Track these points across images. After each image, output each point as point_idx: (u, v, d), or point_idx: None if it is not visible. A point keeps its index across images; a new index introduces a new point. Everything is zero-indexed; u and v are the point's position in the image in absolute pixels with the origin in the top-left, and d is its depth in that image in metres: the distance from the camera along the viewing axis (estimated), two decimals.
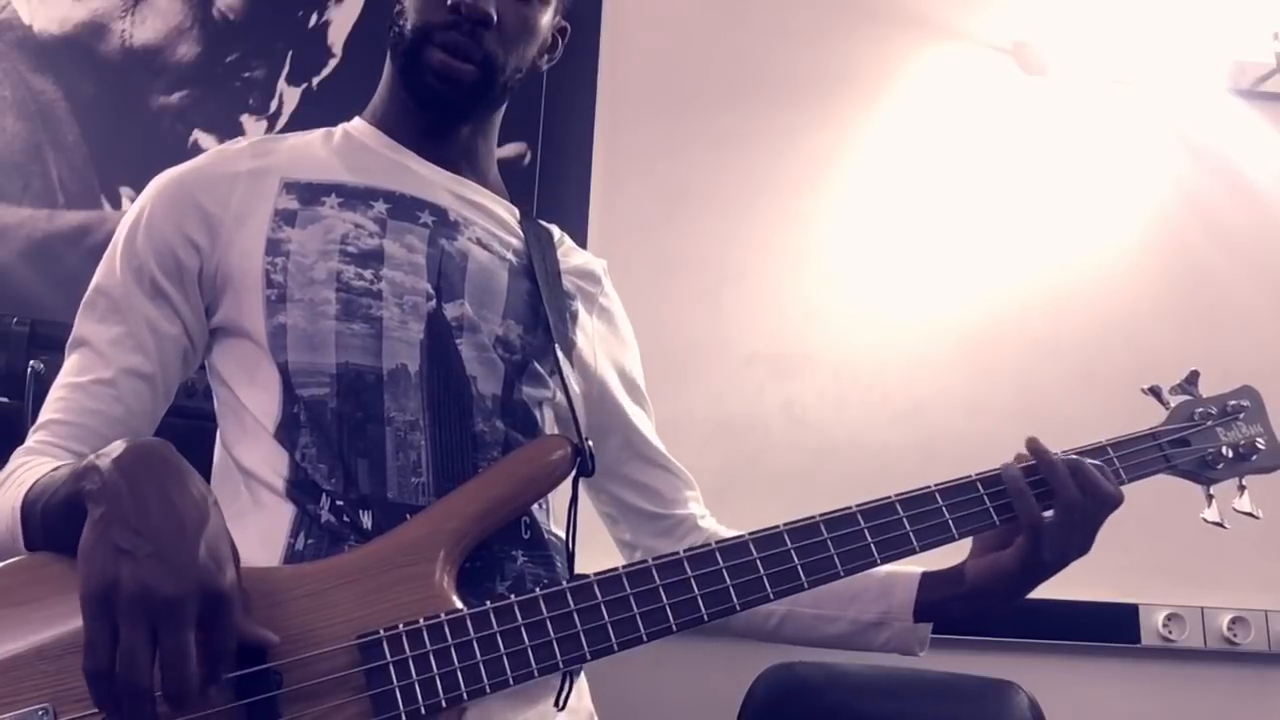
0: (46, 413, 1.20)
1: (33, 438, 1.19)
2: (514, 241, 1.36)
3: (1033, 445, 1.26)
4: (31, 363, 1.77)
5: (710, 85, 2.47)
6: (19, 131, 2.31)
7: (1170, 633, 2.28)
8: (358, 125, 1.38)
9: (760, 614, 1.37)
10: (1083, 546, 1.25)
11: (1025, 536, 1.24)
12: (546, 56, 1.41)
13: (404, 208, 1.29)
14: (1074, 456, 1.26)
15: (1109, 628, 2.28)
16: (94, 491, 0.94)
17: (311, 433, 1.18)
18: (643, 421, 1.47)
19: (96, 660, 0.88)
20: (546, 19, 1.37)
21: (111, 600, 0.88)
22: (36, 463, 1.13)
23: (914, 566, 1.34)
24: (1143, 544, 2.22)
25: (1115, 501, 1.25)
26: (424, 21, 1.28)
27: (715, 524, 1.47)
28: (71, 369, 1.22)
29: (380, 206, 1.28)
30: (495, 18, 1.27)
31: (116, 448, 0.98)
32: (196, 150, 2.29)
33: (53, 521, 1.02)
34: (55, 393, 1.22)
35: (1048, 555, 1.24)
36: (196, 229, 1.24)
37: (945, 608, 1.33)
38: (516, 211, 1.40)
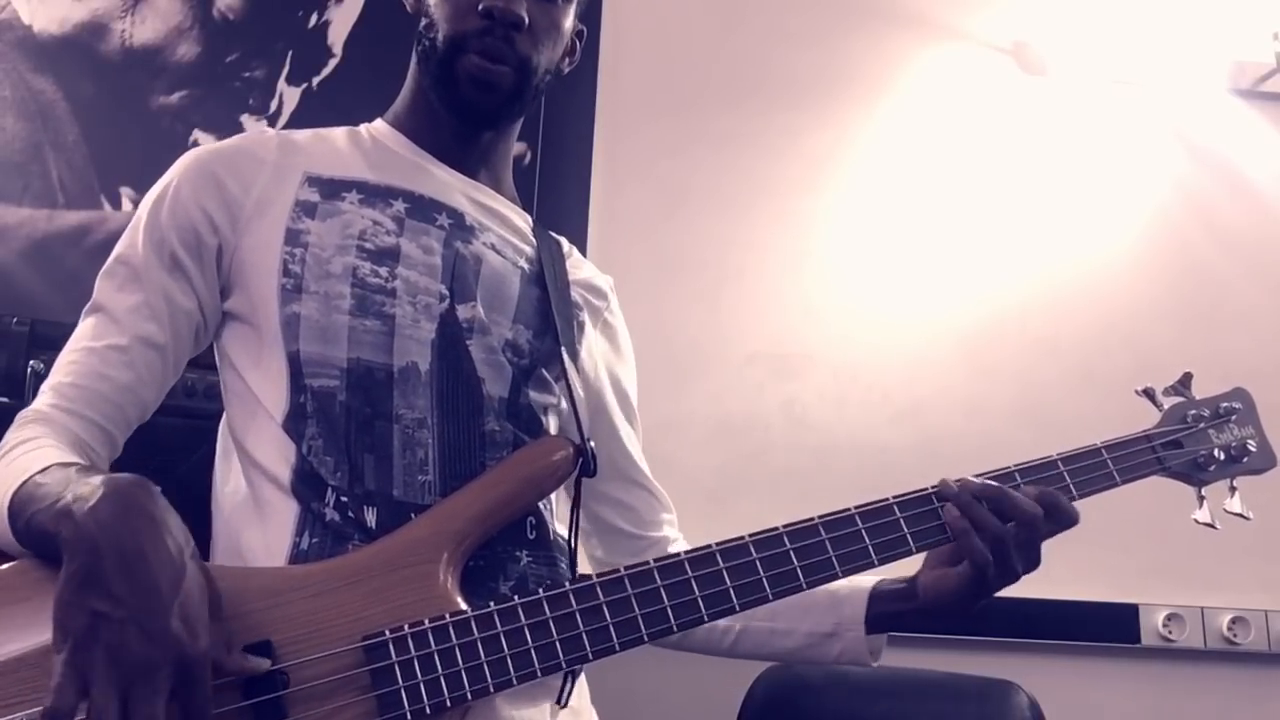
0: (57, 374, 1.20)
1: (41, 399, 1.19)
2: (527, 249, 1.37)
3: (943, 490, 1.23)
4: (31, 363, 1.77)
5: (710, 86, 2.48)
6: (19, 131, 2.31)
7: (1170, 633, 2.28)
8: (379, 127, 1.39)
9: (718, 630, 1.38)
10: (1029, 564, 1.23)
11: (971, 569, 1.22)
12: (568, 60, 1.42)
13: (422, 209, 1.30)
14: (990, 484, 1.23)
15: (1109, 628, 2.28)
16: (69, 541, 0.94)
17: (319, 424, 1.19)
18: (631, 440, 1.47)
19: (59, 705, 0.87)
20: (570, 21, 1.38)
21: (84, 661, 0.88)
22: (35, 445, 1.12)
23: (868, 578, 1.33)
24: (1143, 544, 2.23)
25: (1035, 519, 1.21)
26: (456, 30, 1.28)
27: (685, 547, 1.46)
28: (86, 333, 1.23)
29: (399, 205, 1.29)
30: (527, 20, 1.28)
31: (94, 491, 0.97)
32: None
33: (35, 541, 1.02)
34: (67, 355, 1.22)
35: (994, 581, 1.22)
36: (218, 209, 1.25)
37: (898, 619, 1.33)
38: (530, 219, 1.41)
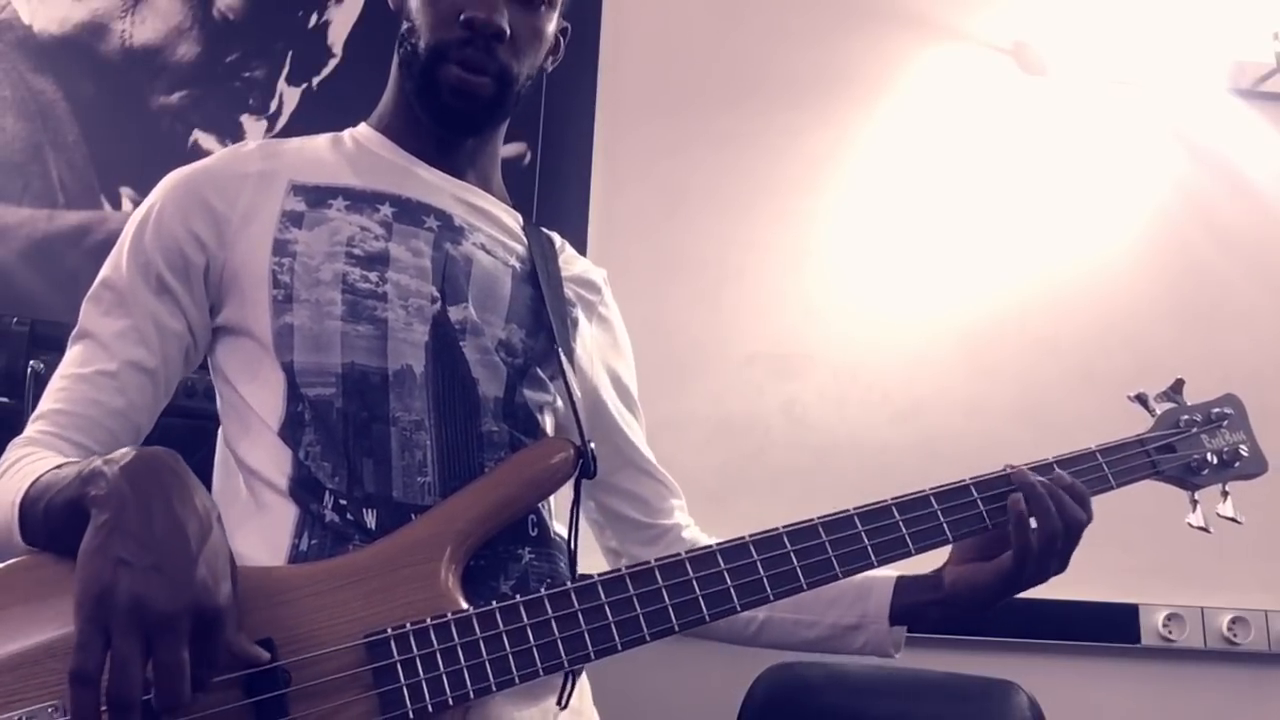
0: (47, 402, 1.20)
1: (32, 427, 1.18)
2: (518, 248, 1.37)
3: (1018, 477, 1.27)
4: (31, 363, 1.77)
5: (710, 85, 2.48)
6: (19, 131, 2.31)
7: (1170, 633, 2.28)
8: (364, 131, 1.39)
9: (741, 619, 1.37)
10: (1061, 567, 1.27)
11: (1014, 559, 1.25)
12: (551, 58, 1.42)
13: (409, 212, 1.29)
14: (1046, 481, 1.26)
15: (1109, 628, 2.29)
16: (98, 497, 0.95)
17: (316, 431, 1.18)
18: (634, 430, 1.47)
19: (84, 664, 0.87)
20: (553, 26, 1.38)
21: (106, 608, 0.88)
22: (38, 455, 1.13)
23: (890, 570, 1.35)
24: (1143, 544, 2.23)
25: (1086, 525, 1.27)
26: (438, 40, 1.28)
27: (699, 533, 1.47)
28: (74, 360, 1.22)
29: (386, 210, 1.28)
30: (508, 32, 1.28)
31: (124, 454, 0.98)
32: (196, 150, 2.32)
33: (55, 522, 1.02)
34: (56, 382, 1.21)
35: (1029, 576, 1.26)
36: (204, 227, 1.25)
37: (921, 612, 1.35)
38: (520, 218, 1.41)
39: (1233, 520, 1.37)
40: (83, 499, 0.96)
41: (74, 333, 1.24)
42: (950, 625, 2.08)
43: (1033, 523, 1.24)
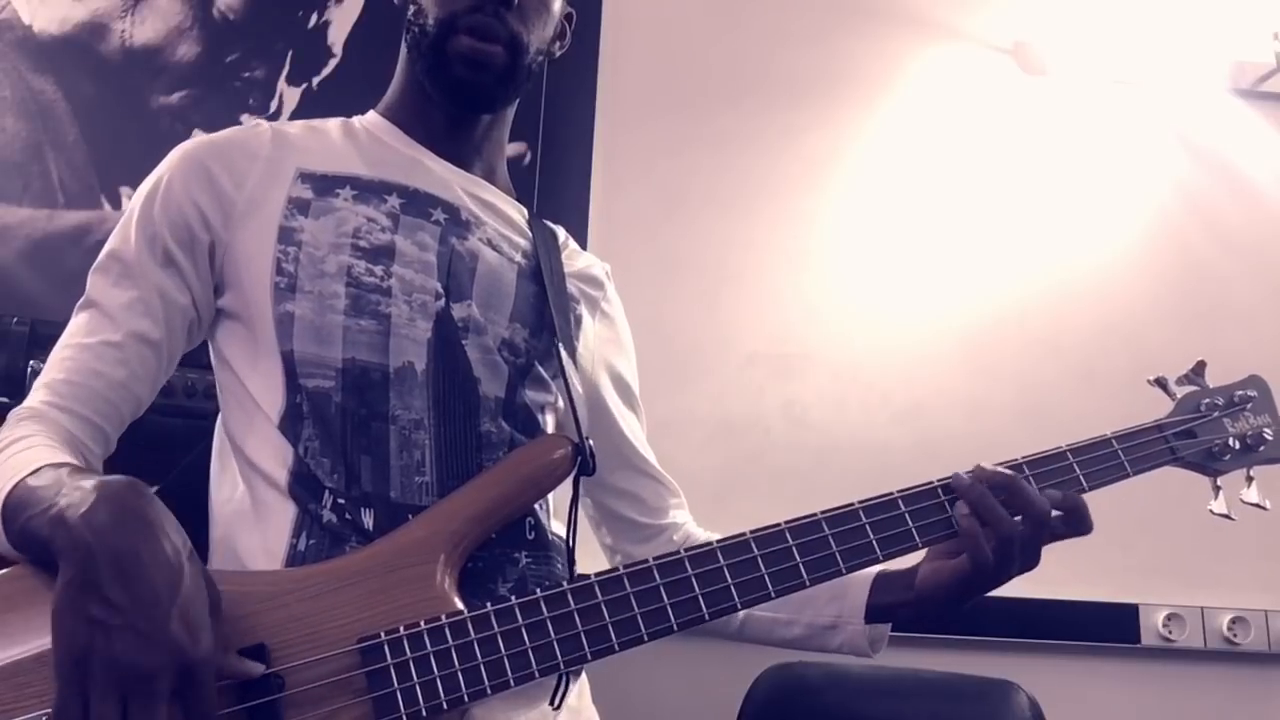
0: (50, 371, 1.19)
1: (35, 396, 1.18)
2: (522, 243, 1.36)
3: (955, 483, 1.23)
4: (31, 363, 1.77)
5: (710, 85, 2.47)
6: (19, 131, 2.30)
7: (1170, 633, 2.28)
8: (372, 119, 1.38)
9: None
10: (1025, 565, 1.23)
11: (969, 565, 1.22)
12: (558, 43, 1.42)
13: (417, 204, 1.29)
14: (1003, 472, 1.22)
15: (1109, 628, 2.28)
16: (64, 550, 0.93)
17: (314, 425, 1.18)
18: (634, 429, 1.47)
19: None
20: (558, 2, 1.38)
21: (83, 669, 0.88)
22: (30, 442, 1.11)
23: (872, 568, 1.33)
24: (1143, 544, 2.23)
25: (1044, 517, 1.21)
26: (446, 11, 1.29)
27: (693, 530, 1.47)
28: (79, 329, 1.22)
29: (393, 201, 1.28)
30: None
31: (85, 496, 0.96)
32: None
33: (31, 544, 1.01)
34: (61, 351, 1.21)
35: (989, 579, 1.22)
36: (210, 204, 1.24)
37: (894, 611, 1.33)
38: (525, 211, 1.41)
39: (1258, 506, 1.32)
40: (51, 542, 0.95)
41: (80, 302, 1.24)
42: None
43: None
